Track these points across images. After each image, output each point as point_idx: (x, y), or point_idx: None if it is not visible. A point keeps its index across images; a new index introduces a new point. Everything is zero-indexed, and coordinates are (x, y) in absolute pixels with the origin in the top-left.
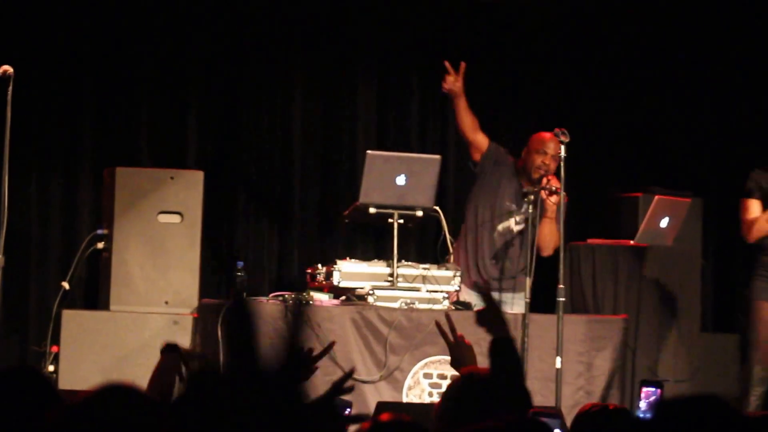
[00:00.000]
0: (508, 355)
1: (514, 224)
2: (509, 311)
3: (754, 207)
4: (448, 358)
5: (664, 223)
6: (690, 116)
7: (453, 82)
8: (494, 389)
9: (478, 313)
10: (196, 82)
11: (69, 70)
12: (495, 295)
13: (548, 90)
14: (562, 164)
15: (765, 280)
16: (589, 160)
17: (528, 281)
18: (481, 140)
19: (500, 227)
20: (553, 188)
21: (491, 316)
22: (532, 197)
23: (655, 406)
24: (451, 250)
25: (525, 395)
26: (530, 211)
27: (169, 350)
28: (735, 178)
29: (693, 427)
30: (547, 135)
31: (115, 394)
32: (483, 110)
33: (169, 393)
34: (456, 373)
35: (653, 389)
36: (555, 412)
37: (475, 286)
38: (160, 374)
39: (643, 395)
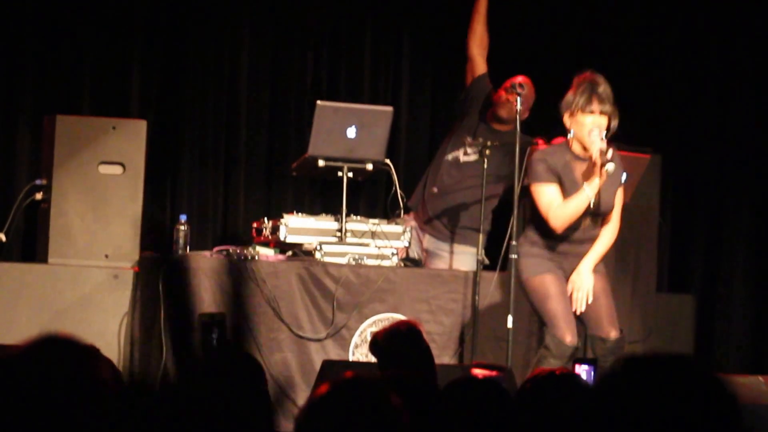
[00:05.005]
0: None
1: (462, 154)
2: (456, 265)
3: (555, 193)
4: (397, 315)
5: (622, 179)
6: (652, 72)
7: None
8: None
9: None
10: (139, 29)
11: (10, 14)
12: (443, 244)
13: (509, 42)
14: (518, 118)
15: (537, 257)
16: (547, 114)
17: (481, 237)
18: (480, 63)
19: (450, 156)
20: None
21: None
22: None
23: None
24: (401, 204)
25: None
26: (487, 145)
27: None
28: (696, 136)
29: (660, 386)
30: (518, 78)
31: (53, 345)
32: None
33: None
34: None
35: (587, 367)
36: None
37: (427, 224)
38: None
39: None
